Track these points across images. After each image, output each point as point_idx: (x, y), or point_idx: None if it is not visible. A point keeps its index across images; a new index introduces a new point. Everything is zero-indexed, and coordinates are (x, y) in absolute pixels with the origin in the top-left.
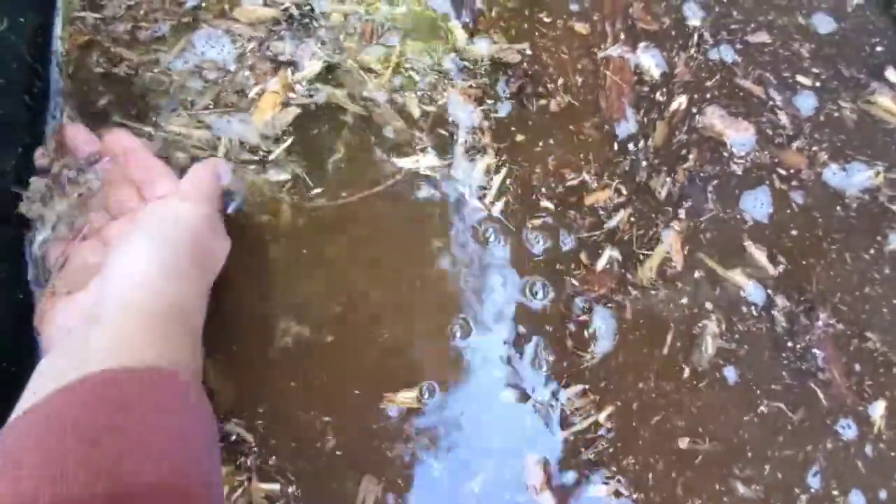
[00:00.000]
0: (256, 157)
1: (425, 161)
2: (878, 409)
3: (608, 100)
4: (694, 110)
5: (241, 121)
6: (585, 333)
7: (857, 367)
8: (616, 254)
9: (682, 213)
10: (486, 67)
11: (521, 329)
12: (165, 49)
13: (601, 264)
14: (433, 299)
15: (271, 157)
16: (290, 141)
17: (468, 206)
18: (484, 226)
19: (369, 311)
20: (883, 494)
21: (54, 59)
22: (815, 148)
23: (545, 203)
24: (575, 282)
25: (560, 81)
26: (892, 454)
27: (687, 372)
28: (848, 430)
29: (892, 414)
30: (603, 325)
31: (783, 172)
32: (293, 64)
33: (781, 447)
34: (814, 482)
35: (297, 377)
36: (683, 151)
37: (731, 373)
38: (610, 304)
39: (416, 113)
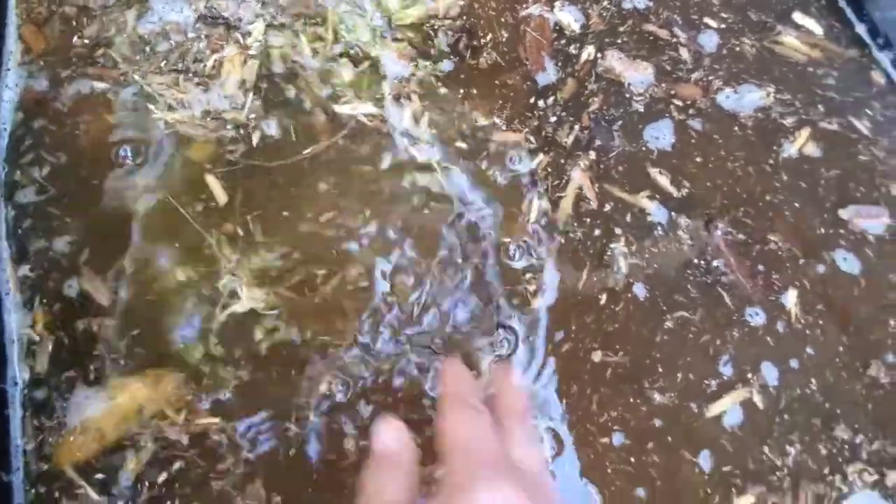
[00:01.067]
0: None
1: (363, 108)
2: (790, 298)
3: (529, 54)
4: (598, 56)
5: (205, 86)
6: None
7: (762, 267)
8: (537, 200)
9: (591, 154)
10: (420, 24)
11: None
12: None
13: (525, 208)
14: (372, 236)
15: (242, 115)
16: (252, 99)
17: (398, 147)
18: (411, 166)
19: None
20: (794, 363)
21: None
22: (710, 77)
23: (460, 143)
24: (501, 231)
25: (489, 37)
26: (807, 331)
27: (604, 298)
28: (756, 317)
29: (805, 300)
30: (533, 262)
31: (680, 104)
32: (239, 22)
33: (691, 351)
34: (725, 370)
35: None
36: (590, 99)
37: (640, 290)
38: (533, 250)
39: (350, 70)
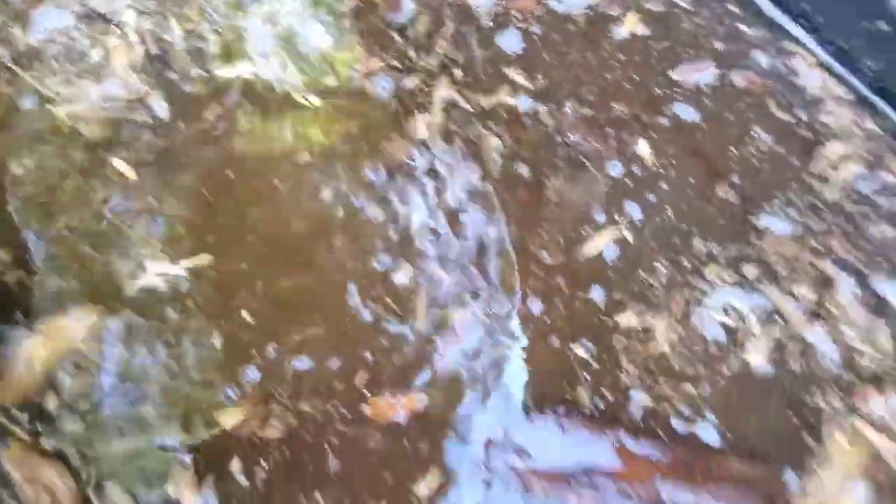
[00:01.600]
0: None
1: (238, 69)
2: (642, 148)
3: None
4: None
5: (97, 77)
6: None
7: (611, 130)
8: (418, 116)
9: (455, 70)
10: None
11: None
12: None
13: (407, 128)
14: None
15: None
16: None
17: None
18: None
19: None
20: (653, 198)
21: None
22: None
23: (330, 81)
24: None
25: None
26: (661, 171)
27: (490, 186)
28: (616, 168)
29: (655, 147)
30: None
31: (519, 15)
32: (114, 15)
33: (568, 209)
34: (598, 217)
35: None
36: (445, 23)
37: (523, 170)
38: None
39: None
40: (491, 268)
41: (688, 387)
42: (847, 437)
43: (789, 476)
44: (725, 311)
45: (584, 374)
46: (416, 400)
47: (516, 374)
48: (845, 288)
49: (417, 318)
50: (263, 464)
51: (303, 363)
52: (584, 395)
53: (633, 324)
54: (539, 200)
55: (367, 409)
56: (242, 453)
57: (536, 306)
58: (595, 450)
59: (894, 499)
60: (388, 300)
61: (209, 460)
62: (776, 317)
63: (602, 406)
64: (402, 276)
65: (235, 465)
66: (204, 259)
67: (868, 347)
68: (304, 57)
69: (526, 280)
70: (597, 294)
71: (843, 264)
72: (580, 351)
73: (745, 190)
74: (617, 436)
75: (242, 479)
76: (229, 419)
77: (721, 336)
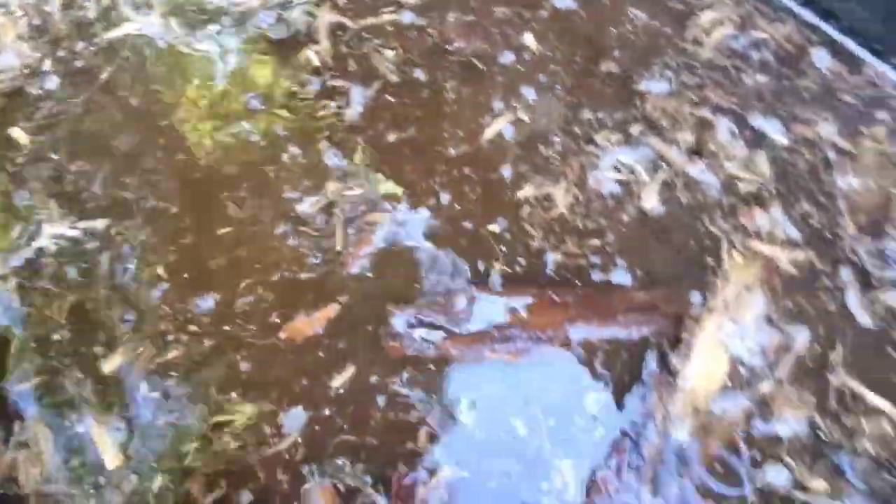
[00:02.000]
0: None
1: (125, 29)
2: (528, 39)
3: None
4: None
5: None
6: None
7: (496, 30)
8: (307, 50)
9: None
10: None
11: None
12: None
13: (299, 57)
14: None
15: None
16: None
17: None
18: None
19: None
20: (543, 79)
21: None
22: None
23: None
24: None
25: None
26: (548, 53)
27: (391, 89)
28: (507, 57)
29: (540, 37)
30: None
31: None
32: None
33: (469, 106)
34: (497, 105)
35: None
36: None
37: (420, 75)
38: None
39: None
40: (396, 173)
41: (594, 240)
42: (741, 252)
43: (694, 297)
44: (616, 168)
45: (500, 247)
46: (330, 310)
47: (428, 262)
48: (723, 128)
49: (331, 237)
50: (171, 382)
51: (207, 301)
52: (501, 267)
53: (536, 194)
54: (439, 101)
55: (282, 334)
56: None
57: (447, 197)
58: (509, 310)
59: (787, 298)
60: (304, 228)
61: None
62: (661, 163)
63: (519, 271)
64: (314, 201)
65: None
66: (101, 222)
67: (747, 174)
68: (181, 6)
69: (435, 177)
70: (501, 174)
71: (719, 109)
72: (494, 228)
73: (625, 62)
74: (530, 294)
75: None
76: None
77: (616, 190)
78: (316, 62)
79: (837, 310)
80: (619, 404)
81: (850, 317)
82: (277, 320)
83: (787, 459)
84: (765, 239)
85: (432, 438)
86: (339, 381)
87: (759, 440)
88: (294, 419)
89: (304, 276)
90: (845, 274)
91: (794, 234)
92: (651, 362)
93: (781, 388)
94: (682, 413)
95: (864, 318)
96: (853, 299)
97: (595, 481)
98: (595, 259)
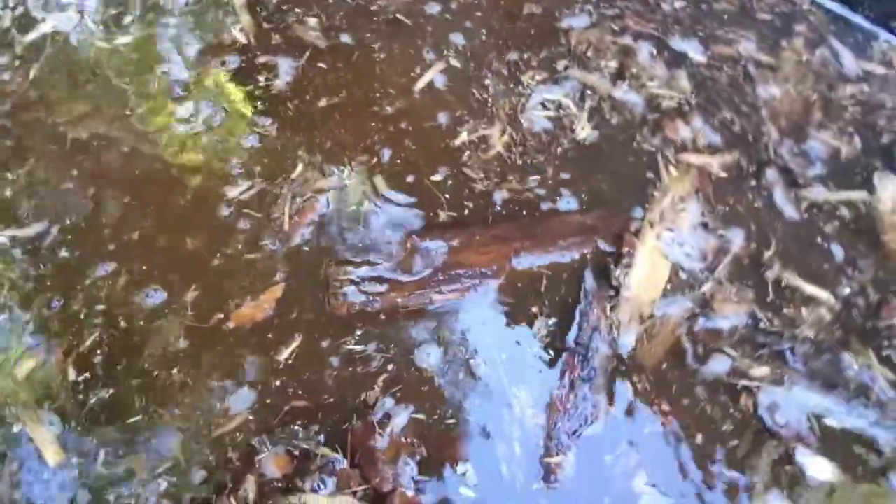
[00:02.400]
0: None
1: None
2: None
3: None
4: None
5: None
6: None
7: None
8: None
9: None
10: None
11: None
12: None
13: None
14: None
15: None
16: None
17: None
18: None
19: None
20: (469, 24)
21: None
22: None
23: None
24: None
25: None
26: (474, 2)
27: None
28: (434, 8)
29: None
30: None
31: None
32: None
33: (399, 62)
34: (428, 56)
35: None
36: None
37: (347, 38)
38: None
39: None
40: (332, 137)
41: (534, 175)
42: (674, 164)
43: (637, 213)
44: (545, 105)
45: (444, 196)
46: (276, 290)
47: (372, 220)
48: (644, 52)
49: (275, 215)
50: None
51: (151, 295)
52: (448, 213)
53: (472, 138)
54: (370, 61)
55: (230, 323)
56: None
57: (388, 154)
58: (451, 252)
59: (720, 203)
60: (247, 210)
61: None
62: (588, 92)
63: (468, 214)
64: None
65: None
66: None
67: (669, 91)
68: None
69: (372, 136)
70: (438, 122)
71: (640, 36)
72: (436, 177)
73: (546, 2)
74: (471, 233)
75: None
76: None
77: (549, 125)
78: (242, 40)
79: (766, 207)
80: (566, 324)
81: (779, 213)
82: (222, 309)
83: (730, 351)
84: (692, 149)
85: (388, 388)
86: (286, 353)
87: (702, 336)
88: (242, 399)
89: (250, 257)
90: (771, 174)
91: (717, 140)
92: (591, 280)
93: (721, 287)
94: (627, 321)
95: (792, 213)
96: (780, 196)
97: (551, 401)
98: (540, 191)
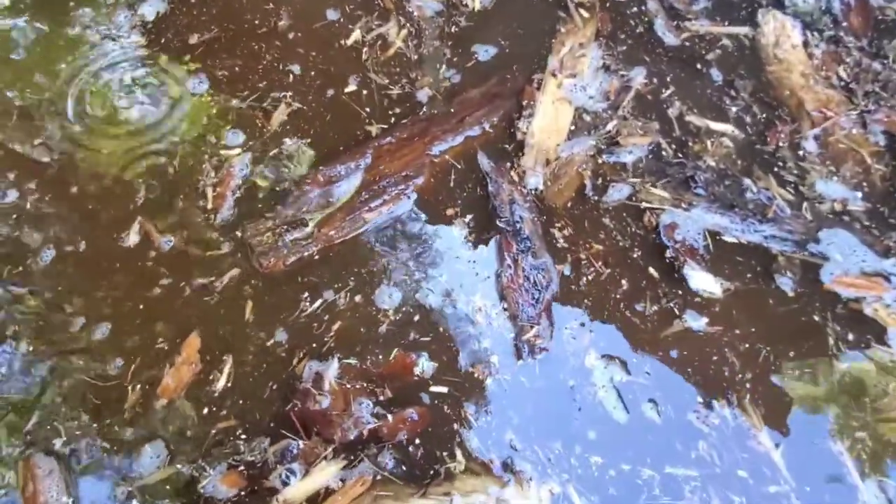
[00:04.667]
0: None
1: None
2: None
3: None
4: None
5: None
6: None
7: None
8: None
9: None
10: None
11: None
12: None
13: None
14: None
15: None
16: None
17: None
18: None
19: None
20: None
21: None
22: None
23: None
24: None
25: None
26: None
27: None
28: None
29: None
30: None
31: None
32: None
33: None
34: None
35: None
36: None
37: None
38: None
39: None
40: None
41: (440, 67)
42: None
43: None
44: None
45: (359, 108)
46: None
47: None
48: None
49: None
50: None
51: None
52: (371, 127)
53: (369, 38)
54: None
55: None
56: None
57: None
58: (367, 167)
59: (618, 44)
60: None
61: None
62: None
63: (388, 119)
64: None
65: None
66: None
67: None
68: None
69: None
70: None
71: None
72: (349, 88)
73: None
74: (380, 141)
75: None
76: None
77: (440, 7)
78: None
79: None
80: (482, 214)
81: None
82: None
83: (633, 180)
84: None
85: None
86: (221, 382)
87: (606, 170)
88: (158, 450)
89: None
90: (652, 5)
91: None
92: (485, 159)
93: (626, 122)
94: (532, 166)
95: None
96: (660, 25)
97: (503, 286)
98: (454, 76)
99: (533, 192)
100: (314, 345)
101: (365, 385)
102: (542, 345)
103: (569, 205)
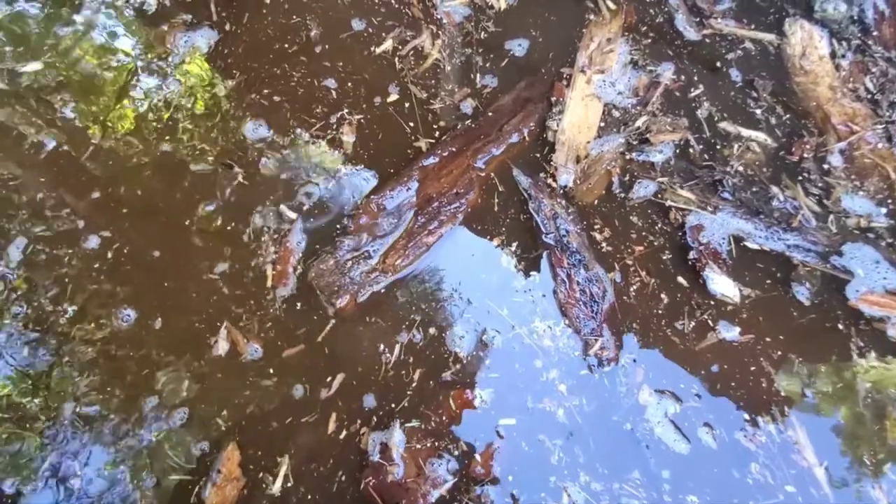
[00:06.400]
0: None
1: None
2: None
3: None
4: None
5: None
6: None
7: None
8: None
9: None
10: None
11: None
12: None
13: None
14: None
15: None
16: None
17: None
18: None
19: None
20: None
21: None
22: None
23: None
24: None
25: None
26: None
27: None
28: None
29: None
30: None
31: None
32: None
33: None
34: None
35: None
36: None
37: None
38: None
39: None
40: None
41: (475, 74)
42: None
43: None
44: None
45: (409, 124)
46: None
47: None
48: None
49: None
50: None
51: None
52: (425, 142)
53: (401, 51)
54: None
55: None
56: None
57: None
58: (418, 190)
59: (654, 47)
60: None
61: None
62: None
63: (433, 136)
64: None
65: None
66: None
67: None
68: None
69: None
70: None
71: None
72: (390, 98)
73: None
74: (424, 162)
75: None
76: None
77: (467, 12)
78: None
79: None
80: (526, 238)
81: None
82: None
83: (661, 178)
84: None
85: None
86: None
87: (636, 168)
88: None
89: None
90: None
91: None
92: (522, 176)
93: (656, 118)
94: (564, 163)
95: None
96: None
97: (561, 302)
98: (490, 81)
99: (563, 189)
100: (373, 418)
101: (434, 443)
102: (609, 356)
103: (596, 202)
